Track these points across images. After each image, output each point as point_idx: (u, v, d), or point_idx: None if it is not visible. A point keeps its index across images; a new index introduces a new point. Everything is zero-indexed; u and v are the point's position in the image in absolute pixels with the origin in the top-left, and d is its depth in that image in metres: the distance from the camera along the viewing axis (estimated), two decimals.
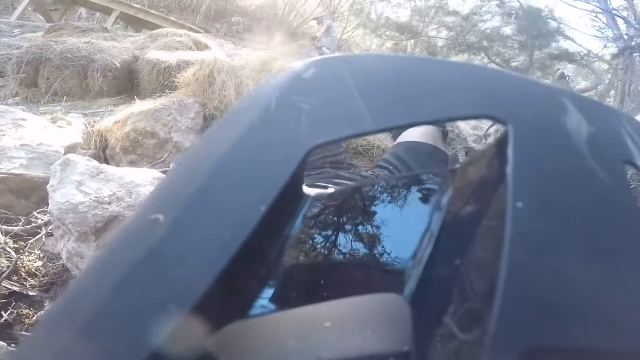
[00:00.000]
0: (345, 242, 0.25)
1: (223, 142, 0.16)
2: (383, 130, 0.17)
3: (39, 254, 1.24)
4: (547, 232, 0.14)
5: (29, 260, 1.20)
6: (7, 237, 1.24)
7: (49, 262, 1.22)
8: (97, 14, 5.73)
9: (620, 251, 0.14)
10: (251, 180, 0.15)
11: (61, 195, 1.06)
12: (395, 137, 1.01)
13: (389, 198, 0.27)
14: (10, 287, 1.09)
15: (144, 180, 1.12)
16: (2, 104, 1.98)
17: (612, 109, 0.19)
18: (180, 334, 0.13)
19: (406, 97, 0.17)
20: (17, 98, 2.61)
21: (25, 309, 1.06)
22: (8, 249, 1.20)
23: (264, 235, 0.18)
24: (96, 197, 1.05)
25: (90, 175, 1.10)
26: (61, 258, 1.15)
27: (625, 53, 4.94)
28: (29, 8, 5.05)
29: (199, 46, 3.14)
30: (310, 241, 0.25)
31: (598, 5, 5.68)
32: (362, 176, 0.79)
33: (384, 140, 1.88)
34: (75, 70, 2.67)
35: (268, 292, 0.21)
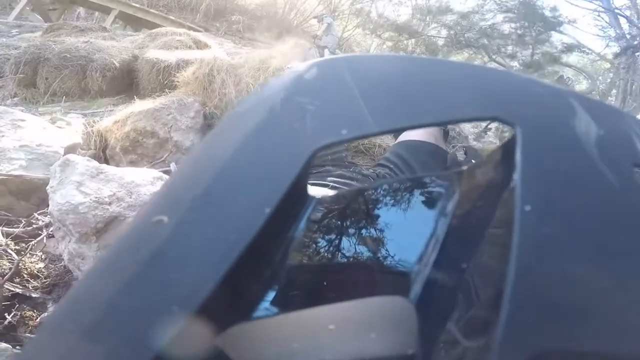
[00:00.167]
0: (350, 244, 0.25)
1: (227, 143, 0.16)
2: (388, 131, 0.17)
3: (41, 255, 1.23)
4: (556, 235, 0.13)
5: (31, 262, 1.19)
6: (8, 239, 1.23)
7: (51, 264, 1.21)
8: (96, 13, 5.71)
9: (630, 254, 0.14)
10: (255, 182, 0.15)
11: (61, 196, 1.05)
12: (396, 136, 1.00)
13: (394, 200, 0.27)
14: (12, 289, 1.08)
15: (144, 180, 1.11)
16: (0, 105, 1.97)
17: (620, 110, 0.19)
18: (184, 336, 0.12)
19: (412, 98, 0.17)
20: (15, 99, 2.60)
21: (29, 310, 1.06)
22: (9, 250, 1.19)
23: (268, 237, 0.18)
24: (96, 197, 1.05)
25: (90, 175, 1.09)
26: (63, 259, 1.15)
27: (627, 52, 4.93)
28: (27, 8, 5.03)
29: (199, 45, 3.13)
30: (315, 243, 0.25)
31: (601, 4, 5.67)
32: (363, 175, 0.78)
33: (385, 139, 1.87)
34: (74, 70, 2.66)
35: (272, 295, 0.21)
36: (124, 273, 0.13)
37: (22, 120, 1.72)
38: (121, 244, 0.15)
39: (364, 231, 0.25)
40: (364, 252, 0.24)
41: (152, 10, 5.23)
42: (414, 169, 0.80)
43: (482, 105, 0.17)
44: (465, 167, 0.26)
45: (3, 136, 1.61)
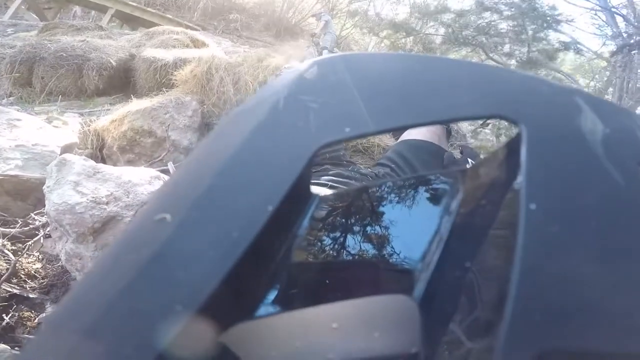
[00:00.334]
0: (353, 242, 0.25)
1: (230, 142, 0.16)
2: (391, 130, 0.17)
3: (38, 255, 1.23)
4: (561, 234, 0.13)
5: (28, 263, 1.18)
6: (5, 239, 1.22)
7: (48, 264, 1.20)
8: (92, 12, 5.68)
9: (636, 253, 0.14)
10: (258, 180, 0.15)
11: (58, 196, 1.04)
12: (397, 136, 1.00)
13: (397, 199, 0.27)
14: (10, 289, 1.07)
15: (141, 179, 1.10)
16: None
17: (626, 109, 0.19)
18: (187, 335, 0.12)
19: (415, 96, 0.17)
20: (11, 98, 2.58)
21: (27, 311, 1.05)
22: (6, 251, 1.18)
23: (271, 235, 0.18)
24: (93, 197, 1.04)
25: (87, 175, 1.08)
26: (60, 260, 1.14)
27: (623, 51, 4.95)
28: (22, 7, 4.99)
29: (196, 44, 3.11)
30: (318, 242, 0.24)
31: (598, 3, 5.70)
32: (362, 174, 0.78)
33: (384, 138, 1.87)
34: (70, 69, 2.64)
35: (275, 293, 0.21)
36: (126, 272, 0.13)
37: (18, 120, 1.71)
38: (123, 242, 0.15)
39: (367, 229, 0.25)
40: (367, 250, 0.24)
41: (149, 9, 5.20)
42: (415, 168, 0.79)
43: (486, 103, 0.17)
44: (469, 166, 0.24)
45: None
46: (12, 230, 1.27)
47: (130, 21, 5.25)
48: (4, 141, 1.57)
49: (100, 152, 1.95)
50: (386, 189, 0.28)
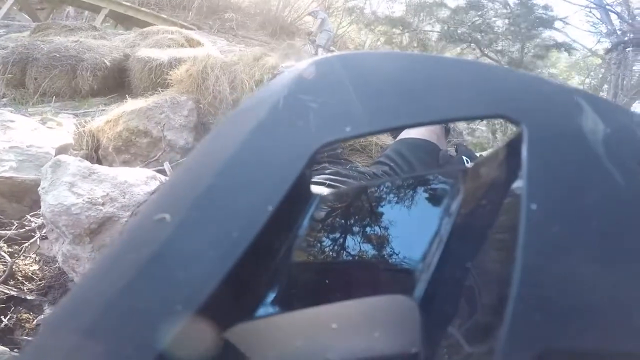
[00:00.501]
0: (353, 243, 0.25)
1: (230, 141, 0.16)
2: (391, 129, 0.18)
3: (35, 257, 1.22)
4: (562, 233, 0.13)
5: (25, 264, 1.18)
6: (1, 241, 1.21)
7: (45, 266, 1.20)
8: (86, 12, 5.62)
9: (637, 253, 0.14)
10: (258, 180, 0.15)
11: (53, 198, 1.03)
12: (395, 135, 0.99)
13: (398, 198, 0.27)
14: (7, 291, 1.07)
15: (137, 180, 1.09)
16: None
17: (626, 109, 0.19)
18: (187, 335, 0.12)
19: (416, 95, 0.17)
20: (4, 99, 2.55)
21: (25, 313, 1.05)
22: (3, 253, 1.17)
23: (271, 235, 0.18)
24: (89, 198, 1.03)
25: (82, 176, 1.07)
26: (57, 261, 1.13)
27: (618, 48, 4.98)
28: (14, 8, 4.93)
29: (191, 43, 3.10)
30: (318, 242, 0.24)
31: (592, 0, 5.72)
32: (360, 172, 0.78)
33: (381, 137, 1.86)
34: (64, 69, 2.61)
35: (275, 293, 0.21)
36: (126, 272, 0.13)
37: (12, 121, 1.69)
38: (123, 242, 0.15)
39: (367, 229, 0.25)
40: (368, 250, 0.24)
41: (143, 9, 5.15)
42: (413, 166, 0.79)
43: (487, 102, 0.16)
44: (464, 164, 0.23)
45: None
46: (7, 232, 1.26)
47: (124, 21, 5.21)
48: None
49: (95, 153, 1.93)
50: (386, 189, 0.28)
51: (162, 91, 2.09)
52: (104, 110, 2.32)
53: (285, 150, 0.15)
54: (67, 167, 1.07)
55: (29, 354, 0.15)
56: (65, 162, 1.08)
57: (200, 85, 2.01)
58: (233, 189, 0.14)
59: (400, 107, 0.16)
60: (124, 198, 1.06)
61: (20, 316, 1.03)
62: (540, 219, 0.13)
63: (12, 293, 1.09)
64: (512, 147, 0.18)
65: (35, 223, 1.30)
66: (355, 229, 0.25)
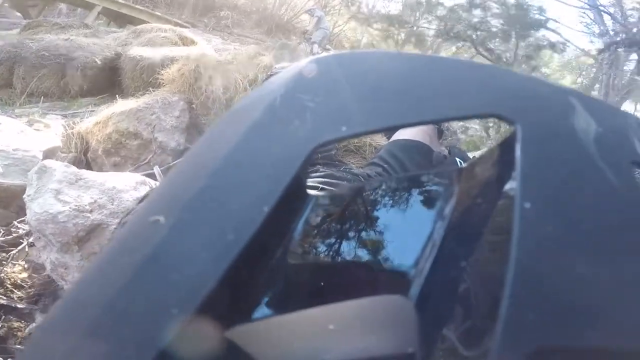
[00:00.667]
0: (349, 243, 0.25)
1: (225, 141, 0.16)
2: (386, 129, 0.17)
3: (24, 264, 1.18)
4: (556, 233, 0.13)
5: (14, 272, 1.14)
6: None
7: (35, 273, 1.16)
8: (79, 9, 5.53)
9: (629, 252, 0.14)
10: (254, 180, 0.14)
11: (39, 206, 1.00)
12: (388, 135, 0.98)
13: (393, 199, 0.27)
14: None
15: (126, 185, 1.06)
16: None
17: (619, 109, 0.20)
18: (184, 337, 0.12)
19: (412, 95, 0.17)
20: None
21: (16, 321, 1.02)
22: None
23: (267, 236, 0.18)
24: (76, 205, 0.99)
25: (69, 182, 1.04)
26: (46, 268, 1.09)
27: (610, 48, 4.99)
28: (5, 4, 4.83)
29: (185, 41, 3.04)
30: (314, 243, 0.25)
31: (586, 1, 5.75)
32: (354, 174, 0.76)
33: (376, 138, 1.84)
34: (53, 69, 2.55)
35: (272, 295, 0.21)
36: (121, 275, 0.13)
37: None
38: (117, 245, 0.15)
39: (363, 230, 0.25)
40: (363, 251, 0.24)
41: (137, 7, 5.07)
42: (407, 168, 0.78)
43: (482, 102, 0.17)
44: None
45: None
46: None
47: (117, 19, 5.12)
48: None
49: (84, 156, 1.88)
50: (381, 190, 0.28)
51: (154, 91, 2.04)
52: (93, 110, 2.26)
53: (281, 150, 0.15)
54: (53, 173, 1.03)
55: (25, 357, 0.15)
56: (51, 167, 1.04)
57: (192, 85, 1.96)
58: (228, 189, 0.14)
59: (396, 106, 0.16)
60: (112, 204, 1.02)
61: (12, 325, 1.00)
62: (533, 218, 0.13)
63: (2, 302, 1.06)
64: (506, 146, 0.17)
65: (23, 229, 1.26)
66: (351, 230, 0.25)
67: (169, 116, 1.87)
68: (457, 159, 0.81)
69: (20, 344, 0.96)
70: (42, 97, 2.53)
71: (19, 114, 2.20)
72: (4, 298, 1.06)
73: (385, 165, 0.79)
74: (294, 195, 0.23)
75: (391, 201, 0.27)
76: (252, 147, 0.15)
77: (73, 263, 1.03)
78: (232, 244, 0.13)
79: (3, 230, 1.28)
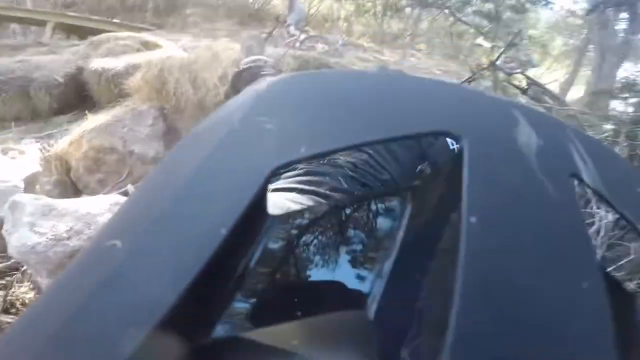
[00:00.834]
0: (309, 262, 0.25)
1: (184, 165, 0.16)
2: (342, 149, 0.18)
3: (29, 285, 1.20)
4: (500, 245, 0.14)
5: (22, 293, 1.15)
6: None
7: (39, 293, 1.18)
8: (32, 28, 5.26)
9: (569, 263, 0.14)
10: (213, 204, 0.15)
11: (16, 239, 1.00)
12: None
13: (350, 218, 0.28)
14: (10, 320, 1.06)
15: (101, 209, 1.05)
16: None
17: (560, 121, 0.20)
18: (145, 354, 0.12)
19: (364, 115, 0.17)
20: None
21: None
22: None
23: (228, 256, 0.18)
24: (53, 235, 0.99)
25: (42, 213, 1.03)
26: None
27: (598, 8, 4.80)
28: None
29: (147, 46, 2.93)
30: (274, 262, 0.25)
31: None
32: (337, 165, 0.75)
33: None
34: (15, 92, 2.45)
35: (234, 313, 0.21)
36: (79, 295, 0.13)
37: None
38: (76, 266, 0.15)
39: (322, 249, 0.25)
40: (323, 268, 0.25)
41: (93, 17, 4.85)
42: (395, 153, 0.75)
43: (430, 120, 0.17)
44: (417, 182, 0.26)
45: None
46: None
47: (76, 31, 4.89)
48: None
49: (67, 177, 1.85)
50: (338, 208, 0.29)
51: (124, 101, 1.98)
52: (67, 129, 2.20)
53: (240, 174, 0.15)
54: (24, 207, 1.03)
55: None
56: (21, 202, 1.04)
57: (160, 90, 1.90)
58: (187, 213, 0.14)
59: (349, 126, 0.17)
60: (89, 229, 1.02)
61: None
62: (478, 231, 0.14)
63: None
64: (456, 162, 0.18)
65: None
66: (311, 248, 0.25)
67: (141, 126, 1.83)
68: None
69: None
70: (13, 122, 2.44)
71: None
72: (15, 318, 1.08)
73: (371, 151, 0.76)
74: (253, 217, 0.22)
75: (348, 220, 0.27)
76: (211, 171, 0.15)
77: None
78: (189, 267, 0.13)
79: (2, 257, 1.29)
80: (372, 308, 0.21)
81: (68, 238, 0.99)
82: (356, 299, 0.23)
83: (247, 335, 0.19)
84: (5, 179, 1.57)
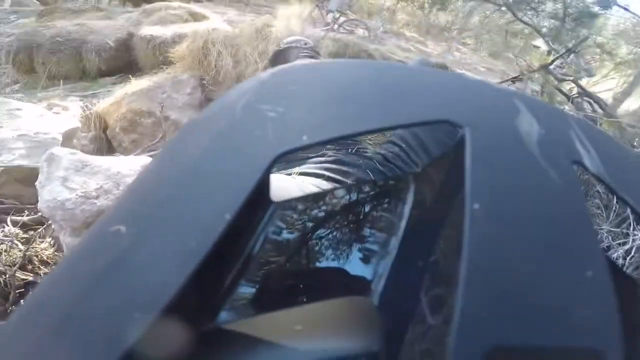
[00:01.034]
0: (313, 247, 0.26)
1: (188, 151, 0.16)
2: (345, 137, 0.17)
3: (50, 241, 1.23)
4: (503, 232, 0.14)
5: (41, 249, 1.19)
6: (17, 227, 1.23)
7: (60, 251, 1.21)
8: None
9: (572, 249, 0.14)
10: (216, 189, 0.15)
11: (48, 193, 1.02)
12: None
13: (353, 204, 0.28)
14: (25, 277, 1.08)
15: (131, 170, 1.06)
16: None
17: (561, 110, 0.20)
18: (150, 340, 0.12)
19: (366, 103, 0.17)
20: (16, 86, 2.58)
21: None
22: (16, 241, 1.19)
23: (231, 242, 0.18)
24: (83, 192, 1.01)
25: (75, 169, 1.05)
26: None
27: None
28: None
29: (196, 17, 2.96)
30: (278, 248, 0.25)
31: None
32: (366, 157, 0.70)
33: None
34: (69, 53, 2.59)
35: (238, 298, 0.22)
36: (82, 280, 0.14)
37: (19, 110, 1.70)
38: (80, 251, 0.15)
39: (325, 234, 0.26)
40: (327, 254, 0.25)
41: None
42: (427, 148, 0.70)
43: (433, 108, 0.17)
44: (419, 170, 0.27)
45: (1, 127, 1.60)
46: (22, 218, 1.28)
47: None
48: (7, 132, 1.58)
49: (104, 133, 1.92)
50: (342, 195, 0.29)
51: (167, 69, 2.02)
52: (111, 90, 2.29)
53: (243, 160, 0.16)
54: (60, 160, 1.05)
55: None
56: (58, 155, 1.06)
57: (202, 61, 1.91)
58: (191, 198, 0.15)
59: (352, 114, 0.17)
60: (118, 190, 1.03)
61: None
62: (482, 218, 0.14)
63: (30, 278, 1.12)
64: (458, 149, 0.18)
65: None
66: (314, 234, 0.26)
67: (180, 94, 1.85)
68: None
69: None
70: (62, 80, 2.58)
71: (41, 97, 2.27)
72: (31, 275, 1.10)
73: (403, 145, 0.71)
74: (256, 203, 0.23)
75: (351, 206, 0.28)
76: (215, 157, 0.16)
77: None
78: (194, 252, 0.13)
79: (29, 210, 1.34)
80: (376, 293, 0.22)
81: (97, 197, 1.01)
82: (360, 285, 0.23)
83: (251, 321, 0.20)
84: (47, 131, 1.65)
